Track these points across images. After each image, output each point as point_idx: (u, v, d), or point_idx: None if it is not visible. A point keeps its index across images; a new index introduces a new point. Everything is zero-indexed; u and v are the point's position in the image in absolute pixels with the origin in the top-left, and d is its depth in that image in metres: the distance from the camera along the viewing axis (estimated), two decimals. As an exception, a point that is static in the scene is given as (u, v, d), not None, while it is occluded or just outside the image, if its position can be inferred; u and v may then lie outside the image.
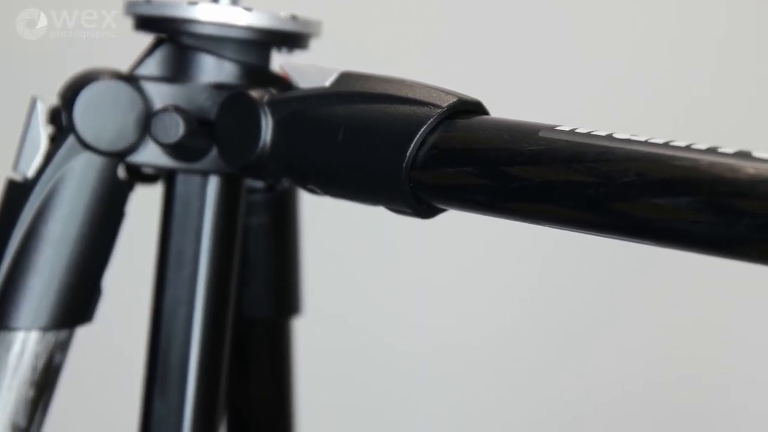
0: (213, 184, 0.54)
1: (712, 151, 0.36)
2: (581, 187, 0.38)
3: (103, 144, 0.53)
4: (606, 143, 0.38)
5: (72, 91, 0.52)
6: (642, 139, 0.38)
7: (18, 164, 0.53)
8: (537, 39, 1.07)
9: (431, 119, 0.43)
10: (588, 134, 0.39)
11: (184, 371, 0.54)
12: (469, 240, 1.08)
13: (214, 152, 0.53)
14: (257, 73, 0.54)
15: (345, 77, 0.48)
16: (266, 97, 0.49)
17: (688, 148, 0.36)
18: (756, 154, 0.35)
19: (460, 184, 0.42)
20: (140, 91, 0.53)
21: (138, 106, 0.53)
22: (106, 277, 0.55)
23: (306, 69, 0.50)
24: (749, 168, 0.34)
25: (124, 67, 0.54)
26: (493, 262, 1.10)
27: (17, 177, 0.53)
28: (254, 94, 0.50)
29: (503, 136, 0.41)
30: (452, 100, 0.44)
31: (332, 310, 1.06)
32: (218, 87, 0.53)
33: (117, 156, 0.53)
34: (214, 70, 0.53)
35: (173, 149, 0.52)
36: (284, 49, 0.56)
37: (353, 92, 0.47)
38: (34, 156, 0.53)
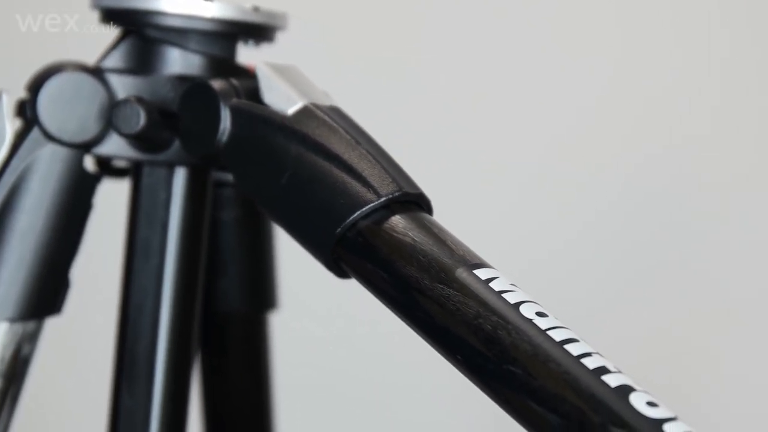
0: (179, 175, 0.54)
1: (601, 372, 0.37)
2: (472, 349, 0.40)
3: (67, 135, 0.53)
4: (510, 316, 0.40)
5: (37, 84, 0.53)
6: (548, 325, 0.40)
7: (-17, 157, 0.53)
8: (530, 37, 1.07)
9: (367, 206, 0.45)
10: (499, 295, 0.41)
11: (151, 363, 0.54)
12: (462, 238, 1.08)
13: (179, 143, 0.53)
14: (221, 64, 0.54)
15: (308, 113, 0.48)
16: (232, 101, 0.50)
17: (580, 362, 0.38)
18: (633, 400, 0.37)
19: (375, 283, 0.44)
20: (104, 82, 0.53)
21: (101, 98, 0.53)
22: (75, 268, 0.55)
23: (275, 84, 0.50)
24: (623, 415, 0.36)
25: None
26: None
27: (-17, 169, 0.54)
28: (215, 84, 0.50)
29: (422, 259, 0.43)
30: (393, 190, 0.45)
31: (323, 300, 1.06)
32: (182, 78, 0.53)
33: (82, 147, 0.53)
34: (178, 61, 0.54)
35: (137, 140, 0.52)
36: (250, 42, 0.56)
37: (309, 138, 0.47)
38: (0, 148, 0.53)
